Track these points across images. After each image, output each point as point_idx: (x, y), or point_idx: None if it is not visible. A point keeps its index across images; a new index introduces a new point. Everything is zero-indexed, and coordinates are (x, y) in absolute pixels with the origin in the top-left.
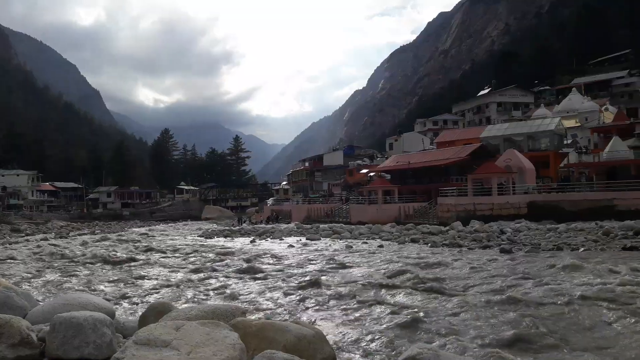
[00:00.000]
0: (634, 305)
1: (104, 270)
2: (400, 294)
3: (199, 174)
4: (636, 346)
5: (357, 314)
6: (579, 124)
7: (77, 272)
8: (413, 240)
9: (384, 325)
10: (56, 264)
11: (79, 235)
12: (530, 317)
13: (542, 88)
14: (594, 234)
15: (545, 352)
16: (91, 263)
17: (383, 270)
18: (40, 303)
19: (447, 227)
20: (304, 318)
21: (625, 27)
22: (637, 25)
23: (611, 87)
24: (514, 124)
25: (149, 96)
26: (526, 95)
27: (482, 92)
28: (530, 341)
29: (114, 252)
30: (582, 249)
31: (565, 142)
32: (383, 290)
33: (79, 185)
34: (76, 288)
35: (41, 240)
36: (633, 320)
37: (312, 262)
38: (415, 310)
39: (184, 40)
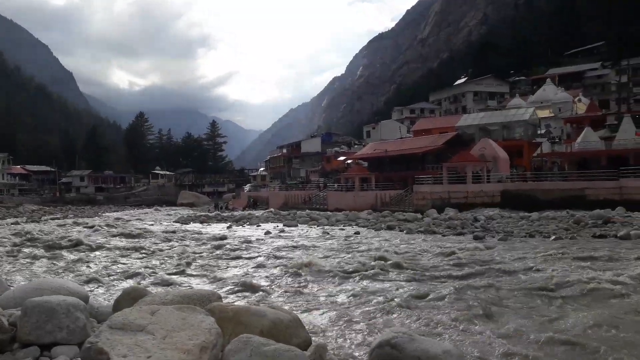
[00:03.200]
0: None
1: (77, 255)
2: (373, 278)
3: (174, 158)
4: None
5: (333, 299)
6: (552, 115)
7: (50, 257)
8: (389, 227)
9: (360, 310)
10: (27, 249)
11: (52, 219)
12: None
13: (517, 78)
14: (565, 222)
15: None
16: (64, 247)
17: (358, 256)
18: (11, 287)
19: (423, 215)
20: (280, 302)
21: (598, 20)
22: (609, 18)
23: (584, 79)
24: (489, 113)
25: (123, 79)
26: (502, 85)
27: (458, 82)
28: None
29: (87, 237)
30: (553, 236)
31: (538, 132)
32: (357, 275)
33: (52, 169)
34: (48, 272)
35: (12, 224)
36: None
37: (289, 247)
38: (388, 294)
39: (159, 22)
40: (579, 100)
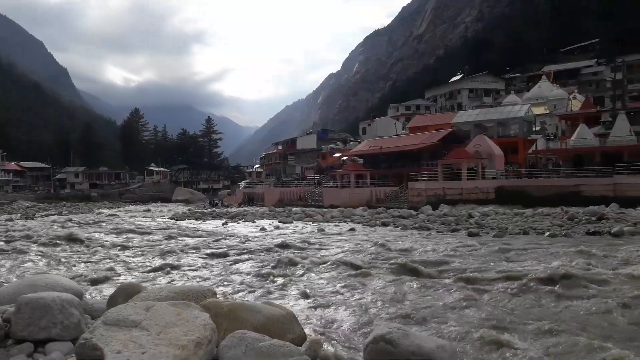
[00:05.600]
0: None
1: (70, 251)
2: (367, 274)
3: (169, 155)
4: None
5: (327, 294)
6: (547, 111)
7: (44, 253)
8: (384, 224)
9: (355, 304)
10: (21, 245)
11: (46, 215)
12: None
13: (512, 75)
14: (560, 219)
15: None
16: (58, 244)
17: (352, 251)
18: (5, 284)
19: (417, 211)
20: (275, 299)
21: (593, 17)
22: (604, 15)
23: (579, 76)
24: (485, 110)
25: (118, 75)
26: (497, 81)
27: (454, 78)
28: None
29: (82, 233)
30: (547, 233)
31: (534, 128)
32: (351, 271)
33: (46, 165)
34: (43, 269)
35: (6, 220)
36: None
37: (283, 243)
38: (384, 289)
39: (154, 18)
40: (574, 97)
